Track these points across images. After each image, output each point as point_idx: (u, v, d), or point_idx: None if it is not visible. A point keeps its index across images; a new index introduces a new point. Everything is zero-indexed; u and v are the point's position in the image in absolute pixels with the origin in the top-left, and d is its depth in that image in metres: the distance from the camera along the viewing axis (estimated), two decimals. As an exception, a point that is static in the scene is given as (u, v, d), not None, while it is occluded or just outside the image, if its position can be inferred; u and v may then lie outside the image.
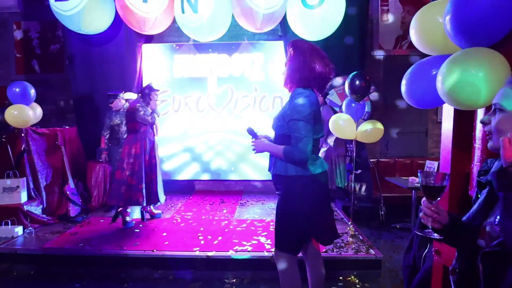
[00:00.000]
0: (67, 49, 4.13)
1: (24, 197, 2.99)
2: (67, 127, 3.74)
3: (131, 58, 4.18)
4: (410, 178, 3.64)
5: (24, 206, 2.93)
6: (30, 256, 2.53)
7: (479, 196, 0.94)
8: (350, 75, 3.46)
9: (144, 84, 4.33)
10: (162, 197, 3.20)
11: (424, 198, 0.92)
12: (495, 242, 0.78)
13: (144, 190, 2.99)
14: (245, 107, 4.43)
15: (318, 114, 1.55)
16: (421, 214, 0.92)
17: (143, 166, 3.00)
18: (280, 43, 4.32)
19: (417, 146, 4.81)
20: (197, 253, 2.49)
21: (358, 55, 4.19)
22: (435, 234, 0.91)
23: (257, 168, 4.42)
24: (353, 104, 3.05)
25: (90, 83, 4.09)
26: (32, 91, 3.02)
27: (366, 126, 3.05)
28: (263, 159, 4.50)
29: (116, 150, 3.44)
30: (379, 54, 4.69)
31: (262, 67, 4.45)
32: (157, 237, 2.82)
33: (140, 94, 3.20)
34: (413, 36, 1.44)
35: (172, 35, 4.51)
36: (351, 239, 2.86)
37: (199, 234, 2.87)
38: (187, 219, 3.34)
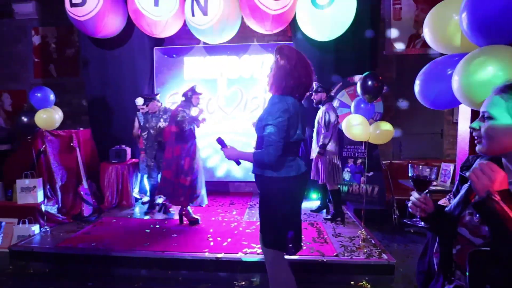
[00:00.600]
0: (82, 53, 4.25)
1: (40, 196, 3.10)
2: (81, 129, 3.83)
3: (143, 61, 4.26)
4: (425, 180, 3.54)
5: (41, 206, 3.01)
6: (45, 255, 2.60)
7: (459, 189, 1.02)
8: (362, 75, 3.40)
9: (156, 89, 4.42)
10: (205, 199, 3.18)
11: (413, 191, 1.02)
12: (481, 242, 0.84)
13: (187, 191, 3.03)
14: (255, 108, 4.43)
15: (295, 120, 1.56)
16: (410, 204, 1.01)
17: (186, 167, 3.02)
18: (290, 45, 4.30)
19: (432, 147, 4.68)
20: (206, 254, 2.50)
21: (370, 55, 4.11)
22: (422, 223, 1.01)
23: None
24: (362, 105, 2.98)
25: (104, 86, 4.19)
26: (52, 96, 3.19)
27: (378, 127, 2.99)
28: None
29: (153, 150, 3.57)
30: (391, 53, 4.59)
31: (272, 69, 4.43)
32: (167, 238, 2.85)
33: (183, 97, 3.20)
34: (427, 34, 1.39)
35: (183, 38, 4.55)
36: (362, 243, 2.80)
37: (209, 236, 2.88)
38: (197, 220, 3.36)
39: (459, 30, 1.13)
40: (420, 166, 1.03)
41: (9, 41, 4.75)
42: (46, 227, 2.98)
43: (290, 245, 1.56)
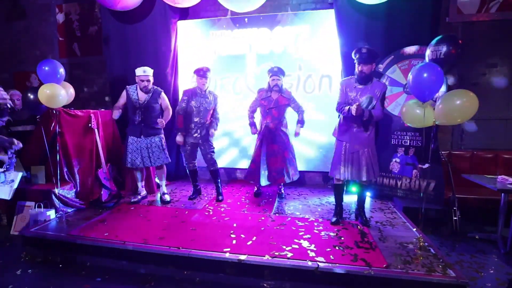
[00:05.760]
0: (104, 30, 4.01)
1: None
2: (102, 109, 3.62)
3: (165, 35, 3.91)
4: (500, 177, 2.83)
5: (56, 190, 2.85)
6: (56, 243, 2.42)
7: None
8: (434, 41, 2.70)
9: (179, 67, 4.08)
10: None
11: None
12: None
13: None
14: (288, 87, 3.90)
15: None
16: None
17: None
18: (331, 12, 3.67)
19: (503, 136, 3.83)
20: (227, 255, 2.13)
21: (430, 21, 3.35)
22: None
23: (301, 157, 3.91)
24: (424, 74, 2.27)
25: (124, 63, 3.92)
26: (62, 70, 2.87)
27: (452, 99, 2.30)
28: (307, 148, 3.98)
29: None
30: (457, 20, 3.74)
31: (308, 42, 3.85)
32: (185, 231, 2.53)
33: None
34: None
35: (208, 10, 4.13)
36: (419, 251, 2.25)
37: (231, 232, 2.51)
38: (219, 212, 3.01)
39: None
40: None
41: (35, 21, 4.67)
42: (61, 212, 2.81)
43: None
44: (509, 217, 2.69)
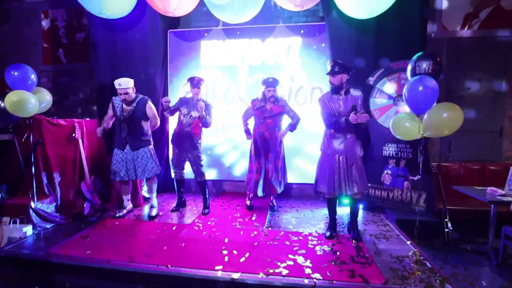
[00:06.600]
0: (91, 36, 3.90)
1: None
2: (88, 119, 3.48)
3: (155, 44, 3.84)
4: (489, 188, 2.87)
5: (33, 204, 2.66)
6: (33, 262, 2.23)
7: None
8: (415, 57, 2.79)
9: (169, 77, 4.01)
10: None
11: None
12: None
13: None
14: (282, 97, 3.88)
15: None
16: None
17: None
18: (321, 26, 3.72)
19: (489, 148, 3.94)
20: (220, 273, 2.01)
21: (417, 37, 3.45)
22: None
23: (292, 169, 3.87)
24: (420, 87, 2.30)
25: (113, 72, 3.80)
26: (33, 76, 2.68)
27: (438, 113, 2.36)
28: (299, 160, 3.94)
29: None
30: (442, 36, 3.88)
31: (299, 54, 3.88)
32: (174, 247, 2.40)
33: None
34: None
35: (200, 20, 4.10)
36: (416, 265, 2.21)
37: (223, 247, 2.40)
38: (210, 227, 2.89)
39: None
40: None
41: (19, 25, 4.51)
42: (39, 228, 2.62)
43: None
44: (499, 228, 2.71)
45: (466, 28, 3.85)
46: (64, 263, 2.17)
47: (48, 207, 2.81)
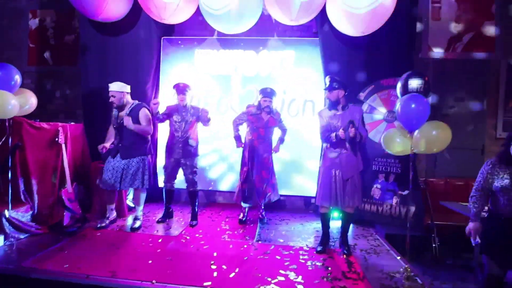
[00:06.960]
0: (81, 39, 3.79)
1: None
2: (72, 123, 3.33)
3: (148, 50, 3.78)
4: (474, 205, 2.92)
5: (7, 212, 2.46)
6: (5, 276, 2.04)
7: None
8: (404, 75, 2.85)
9: (161, 84, 3.94)
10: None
11: None
12: None
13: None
14: (277, 109, 3.88)
15: None
16: None
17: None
18: (314, 41, 3.80)
19: (472, 164, 4.05)
20: (209, 290, 1.92)
21: (406, 57, 3.59)
22: None
23: (282, 181, 3.83)
24: (412, 105, 2.35)
25: (102, 77, 3.69)
26: (17, 77, 2.54)
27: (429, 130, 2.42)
28: (288, 172, 3.91)
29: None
30: (428, 57, 4.04)
31: (292, 67, 3.92)
32: (160, 261, 2.28)
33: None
34: None
35: (195, 28, 4.09)
36: (407, 282, 2.19)
37: (212, 262, 2.30)
38: (198, 239, 2.78)
39: None
40: None
41: (4, 24, 4.34)
42: (12, 239, 2.42)
43: None
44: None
45: (450, 50, 4.04)
46: (39, 278, 2.00)
47: (23, 215, 2.62)
